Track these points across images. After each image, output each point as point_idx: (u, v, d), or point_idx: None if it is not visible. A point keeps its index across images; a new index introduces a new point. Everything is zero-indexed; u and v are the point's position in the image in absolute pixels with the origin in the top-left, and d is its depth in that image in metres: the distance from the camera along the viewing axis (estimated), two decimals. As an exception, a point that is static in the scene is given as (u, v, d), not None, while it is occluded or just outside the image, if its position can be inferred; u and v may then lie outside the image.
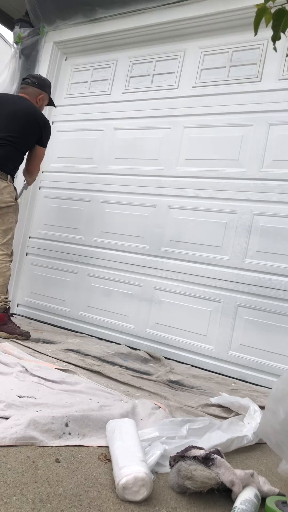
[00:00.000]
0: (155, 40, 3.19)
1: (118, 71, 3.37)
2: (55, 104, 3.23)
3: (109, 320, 3.05)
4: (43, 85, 2.86)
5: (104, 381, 1.94)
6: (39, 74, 2.99)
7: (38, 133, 2.70)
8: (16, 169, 2.68)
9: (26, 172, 2.86)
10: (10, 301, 2.67)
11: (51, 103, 2.98)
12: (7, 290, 2.62)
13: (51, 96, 2.98)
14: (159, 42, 3.18)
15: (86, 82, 3.54)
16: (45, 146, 2.78)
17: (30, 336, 2.58)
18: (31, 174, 2.86)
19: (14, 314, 3.40)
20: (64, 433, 1.24)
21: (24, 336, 2.54)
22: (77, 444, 1.23)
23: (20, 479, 0.98)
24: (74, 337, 2.94)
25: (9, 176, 2.59)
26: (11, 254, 2.66)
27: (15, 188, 2.64)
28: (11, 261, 2.64)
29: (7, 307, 2.60)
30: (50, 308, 3.35)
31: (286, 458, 1.16)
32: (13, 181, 2.64)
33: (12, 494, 0.91)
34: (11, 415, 1.29)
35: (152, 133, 3.08)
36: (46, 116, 3.74)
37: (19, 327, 2.58)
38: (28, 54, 3.69)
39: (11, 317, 2.64)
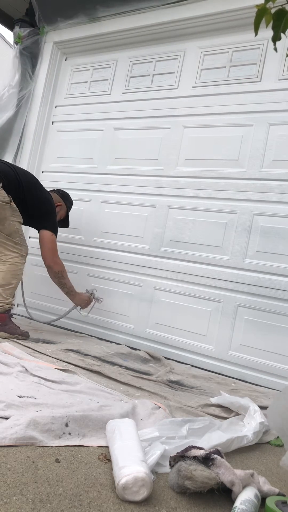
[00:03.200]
0: (155, 40, 3.19)
1: (118, 71, 3.37)
2: (58, 102, 3.22)
3: (109, 320, 3.05)
4: (65, 198, 2.94)
5: (104, 381, 1.94)
6: (67, 192, 3.02)
7: (42, 210, 2.65)
8: (6, 182, 2.51)
9: (46, 266, 2.68)
10: (14, 304, 2.66)
11: (66, 220, 2.98)
12: (14, 294, 2.63)
13: (68, 215, 2.98)
14: (159, 42, 3.18)
15: (86, 82, 3.54)
16: (49, 229, 2.64)
17: (29, 336, 2.59)
18: (47, 265, 2.67)
19: (14, 314, 3.40)
20: (64, 433, 1.24)
21: (24, 336, 2.55)
22: (77, 444, 1.23)
23: (20, 479, 0.98)
24: (74, 337, 2.94)
25: (1, 183, 2.49)
26: (26, 256, 2.62)
27: (7, 194, 2.50)
28: (24, 262, 2.61)
29: (11, 308, 2.61)
30: (50, 308, 3.34)
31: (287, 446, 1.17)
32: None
33: (12, 494, 0.91)
34: (11, 415, 1.29)
35: (152, 133, 3.08)
36: (48, 118, 3.73)
37: (19, 327, 2.58)
38: (28, 54, 3.69)
39: (11, 318, 2.65)
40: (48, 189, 2.86)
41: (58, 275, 2.68)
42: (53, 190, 2.94)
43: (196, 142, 2.88)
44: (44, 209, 2.67)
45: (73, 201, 3.08)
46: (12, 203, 2.54)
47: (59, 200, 2.87)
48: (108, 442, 1.21)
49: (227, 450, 1.35)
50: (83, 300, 2.83)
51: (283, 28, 1.03)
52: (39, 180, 2.83)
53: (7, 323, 2.53)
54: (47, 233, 2.64)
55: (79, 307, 2.87)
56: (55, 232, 2.68)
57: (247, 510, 0.97)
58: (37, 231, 2.71)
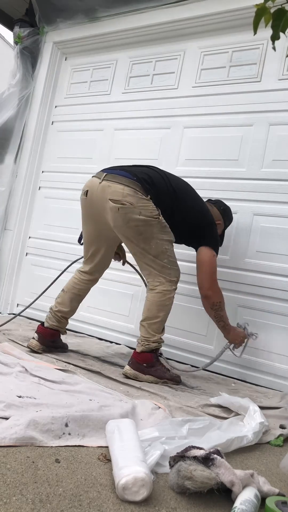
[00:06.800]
0: (155, 40, 3.19)
1: (118, 71, 3.37)
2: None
3: (109, 320, 3.04)
4: (225, 215, 2.42)
5: (104, 381, 1.94)
6: (229, 207, 2.49)
7: (202, 223, 2.20)
8: (155, 192, 2.11)
9: (202, 295, 2.21)
10: (163, 341, 2.17)
11: (222, 238, 2.45)
12: (164, 328, 2.17)
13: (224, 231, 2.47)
14: (159, 42, 3.18)
15: (86, 82, 3.54)
16: (210, 246, 2.17)
17: (181, 380, 2.15)
18: (203, 295, 2.20)
19: (13, 314, 3.38)
20: (64, 433, 1.24)
21: (174, 381, 2.11)
22: (77, 444, 1.23)
23: (19, 479, 0.98)
24: (74, 337, 2.94)
25: (149, 195, 2.07)
26: (177, 280, 2.19)
27: (157, 208, 2.09)
28: (175, 289, 2.18)
29: (159, 347, 2.16)
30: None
31: None
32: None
33: (12, 494, 0.91)
34: (11, 415, 1.29)
35: (152, 133, 3.08)
36: (48, 118, 3.67)
37: (169, 370, 2.16)
38: (28, 54, 3.69)
39: (160, 358, 2.19)
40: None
41: (215, 306, 2.19)
42: (210, 201, 2.44)
43: (196, 142, 2.88)
44: (204, 221, 2.21)
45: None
46: (161, 217, 2.10)
47: (218, 217, 2.35)
48: (108, 442, 1.21)
49: (227, 450, 1.35)
50: (238, 336, 2.29)
51: (282, 27, 1.03)
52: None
53: (154, 365, 2.08)
54: (207, 252, 2.17)
55: (231, 346, 2.32)
56: (216, 251, 2.20)
57: (247, 510, 0.97)
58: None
